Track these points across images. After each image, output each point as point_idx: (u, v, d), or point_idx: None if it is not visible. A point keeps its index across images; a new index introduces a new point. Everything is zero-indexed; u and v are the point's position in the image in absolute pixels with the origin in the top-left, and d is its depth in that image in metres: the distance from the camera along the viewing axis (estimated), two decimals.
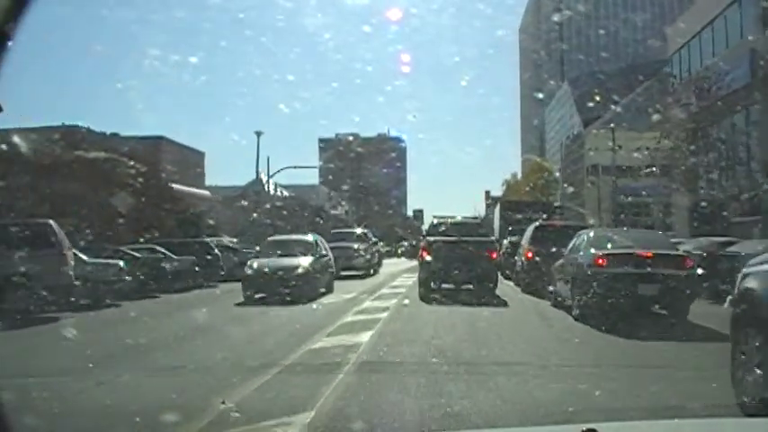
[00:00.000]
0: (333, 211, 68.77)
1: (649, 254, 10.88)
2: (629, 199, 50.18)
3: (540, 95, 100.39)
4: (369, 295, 16.28)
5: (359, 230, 30.24)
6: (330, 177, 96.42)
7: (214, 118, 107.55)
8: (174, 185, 33.65)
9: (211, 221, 37.96)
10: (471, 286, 15.54)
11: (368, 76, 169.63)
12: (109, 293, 15.51)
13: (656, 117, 33.43)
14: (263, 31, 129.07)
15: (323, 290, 16.43)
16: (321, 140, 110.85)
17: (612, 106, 61.88)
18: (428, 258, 15.48)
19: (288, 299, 14.13)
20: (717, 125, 29.46)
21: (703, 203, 29.24)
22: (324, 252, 17.67)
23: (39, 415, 4.75)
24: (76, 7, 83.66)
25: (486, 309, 12.96)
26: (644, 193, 46.86)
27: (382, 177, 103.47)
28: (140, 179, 28.25)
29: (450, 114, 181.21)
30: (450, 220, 17.88)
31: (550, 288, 14.03)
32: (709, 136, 29.62)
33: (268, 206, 44.22)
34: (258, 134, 40.19)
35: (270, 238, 19.65)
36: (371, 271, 26.51)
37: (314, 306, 14.13)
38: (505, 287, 17.19)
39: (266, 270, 15.36)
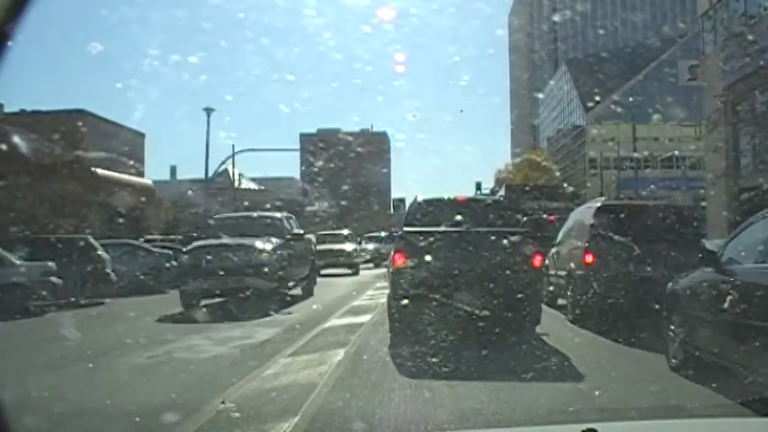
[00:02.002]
0: (309, 208, 60.55)
1: None
2: (652, 187, 47.71)
3: (536, 94, 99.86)
4: (301, 336, 9.20)
5: (279, 215, 16.62)
6: (303, 168, 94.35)
7: (212, 117, 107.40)
8: (99, 170, 27.40)
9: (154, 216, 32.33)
10: (493, 318, 8.37)
11: (366, 75, 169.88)
12: None
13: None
14: (263, 31, 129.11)
15: None
16: (302, 135, 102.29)
17: (613, 99, 61.22)
18: (406, 267, 8.51)
19: None
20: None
21: (751, 192, 22.89)
22: None
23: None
24: (76, 6, 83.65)
25: (539, 388, 6.02)
26: (652, 187, 45.63)
27: (369, 173, 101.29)
28: (46, 159, 23.29)
29: (446, 113, 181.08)
30: (448, 197, 10.37)
31: (671, 331, 6.88)
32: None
33: (184, 194, 37.76)
34: (208, 111, 33.83)
35: None
36: (299, 289, 15.66)
37: None
38: None
39: None
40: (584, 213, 11.95)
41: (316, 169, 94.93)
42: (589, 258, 10.34)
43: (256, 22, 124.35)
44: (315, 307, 13.46)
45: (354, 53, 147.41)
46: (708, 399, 5.52)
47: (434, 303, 8.30)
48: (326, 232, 32.16)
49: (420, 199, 10.52)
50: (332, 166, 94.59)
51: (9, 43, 2.30)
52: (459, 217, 9.56)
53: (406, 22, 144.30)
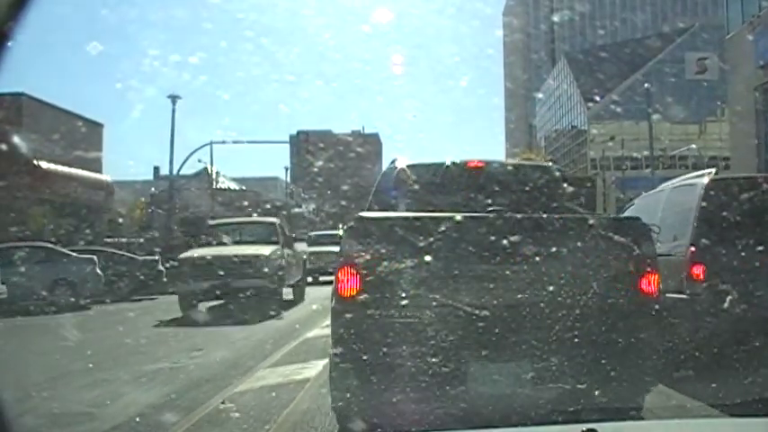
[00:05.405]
0: (296, 209, 55.24)
1: None
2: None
3: (535, 93, 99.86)
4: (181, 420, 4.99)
5: None
6: (291, 168, 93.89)
7: (212, 118, 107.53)
8: (42, 163, 23.79)
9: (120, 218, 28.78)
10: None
11: (366, 75, 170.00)
12: None
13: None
14: (263, 31, 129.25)
15: None
16: (293, 136, 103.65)
17: (614, 98, 61.00)
18: (365, 302, 3.85)
19: None
20: None
21: None
22: None
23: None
24: (75, 6, 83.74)
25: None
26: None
27: (361, 174, 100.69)
28: None
29: (445, 114, 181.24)
30: (453, 162, 5.90)
31: None
32: None
33: (147, 194, 34.87)
34: (174, 99, 30.68)
35: None
36: None
37: None
38: None
39: None
40: (674, 196, 7.21)
41: (310, 169, 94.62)
42: (698, 271, 6.13)
43: (256, 21, 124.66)
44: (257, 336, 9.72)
45: (354, 54, 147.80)
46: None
47: (432, 382, 3.99)
48: (226, 221, 19.07)
49: (401, 164, 5.84)
50: (323, 166, 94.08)
51: (9, 43, 2.30)
52: (476, 195, 5.27)
53: (404, 23, 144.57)
